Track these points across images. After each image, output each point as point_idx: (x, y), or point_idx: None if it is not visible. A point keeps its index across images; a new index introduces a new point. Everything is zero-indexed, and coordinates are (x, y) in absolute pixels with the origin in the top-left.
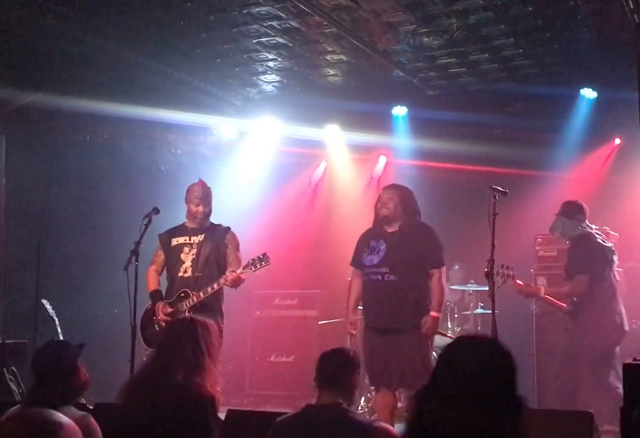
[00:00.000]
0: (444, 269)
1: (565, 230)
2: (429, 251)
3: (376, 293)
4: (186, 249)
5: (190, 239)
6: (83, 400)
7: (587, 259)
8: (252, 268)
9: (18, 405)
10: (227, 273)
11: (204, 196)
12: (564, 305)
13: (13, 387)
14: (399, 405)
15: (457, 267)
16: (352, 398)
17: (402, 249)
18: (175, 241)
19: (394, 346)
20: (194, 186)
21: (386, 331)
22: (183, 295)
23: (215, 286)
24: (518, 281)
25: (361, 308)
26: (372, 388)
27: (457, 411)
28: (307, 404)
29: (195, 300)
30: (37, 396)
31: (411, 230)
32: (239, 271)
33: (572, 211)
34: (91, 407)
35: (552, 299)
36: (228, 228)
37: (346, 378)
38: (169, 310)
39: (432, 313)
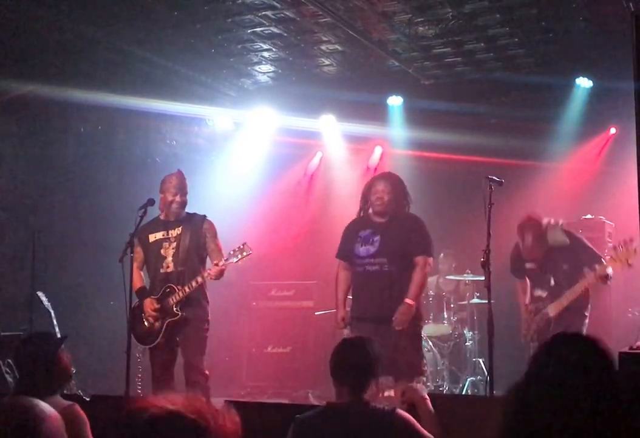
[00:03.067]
0: (429, 260)
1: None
2: (417, 240)
3: (373, 284)
4: (165, 244)
5: (168, 234)
6: (80, 392)
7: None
8: (234, 259)
9: (6, 396)
10: (210, 267)
11: (181, 186)
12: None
13: (9, 379)
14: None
15: (442, 255)
16: (371, 390)
17: (395, 239)
18: (153, 237)
19: (386, 336)
20: (170, 176)
21: (377, 320)
22: (168, 290)
23: (200, 279)
24: None
25: (350, 298)
26: None
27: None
28: (328, 402)
29: (181, 295)
30: (23, 387)
31: (400, 220)
32: (221, 264)
33: None
34: (88, 399)
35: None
36: (204, 217)
37: (367, 378)
38: (157, 305)
39: (407, 300)
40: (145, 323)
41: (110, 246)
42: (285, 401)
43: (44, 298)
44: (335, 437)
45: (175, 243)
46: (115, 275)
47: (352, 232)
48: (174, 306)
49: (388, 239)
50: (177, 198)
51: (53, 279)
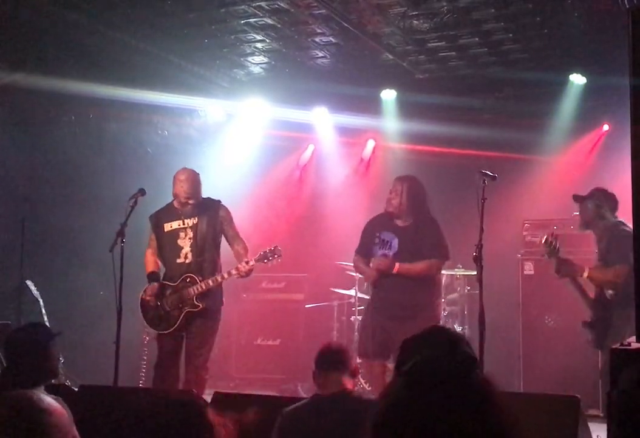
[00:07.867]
0: (442, 264)
1: (605, 221)
2: (431, 244)
3: (387, 287)
4: (182, 234)
5: (184, 223)
6: (68, 382)
7: (629, 250)
8: (265, 261)
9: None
10: (239, 264)
11: (192, 187)
12: (591, 296)
13: None
14: None
15: None
16: (356, 378)
17: (412, 245)
18: (168, 226)
19: (399, 327)
20: (180, 177)
21: (392, 318)
22: (189, 280)
23: (226, 275)
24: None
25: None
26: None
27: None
28: (315, 394)
29: (203, 287)
30: (8, 378)
31: (420, 223)
32: (251, 263)
33: (612, 200)
34: (76, 389)
35: (583, 286)
36: (219, 202)
37: (348, 361)
38: (172, 293)
39: (397, 265)
40: (167, 307)
41: (101, 236)
42: (274, 393)
43: (32, 287)
44: (321, 428)
45: (192, 233)
46: (105, 264)
47: (373, 232)
48: (194, 297)
49: (404, 244)
50: (190, 201)
51: (42, 268)
